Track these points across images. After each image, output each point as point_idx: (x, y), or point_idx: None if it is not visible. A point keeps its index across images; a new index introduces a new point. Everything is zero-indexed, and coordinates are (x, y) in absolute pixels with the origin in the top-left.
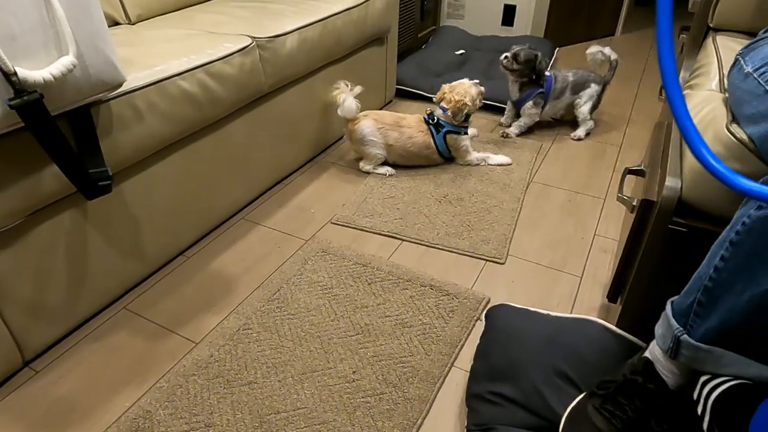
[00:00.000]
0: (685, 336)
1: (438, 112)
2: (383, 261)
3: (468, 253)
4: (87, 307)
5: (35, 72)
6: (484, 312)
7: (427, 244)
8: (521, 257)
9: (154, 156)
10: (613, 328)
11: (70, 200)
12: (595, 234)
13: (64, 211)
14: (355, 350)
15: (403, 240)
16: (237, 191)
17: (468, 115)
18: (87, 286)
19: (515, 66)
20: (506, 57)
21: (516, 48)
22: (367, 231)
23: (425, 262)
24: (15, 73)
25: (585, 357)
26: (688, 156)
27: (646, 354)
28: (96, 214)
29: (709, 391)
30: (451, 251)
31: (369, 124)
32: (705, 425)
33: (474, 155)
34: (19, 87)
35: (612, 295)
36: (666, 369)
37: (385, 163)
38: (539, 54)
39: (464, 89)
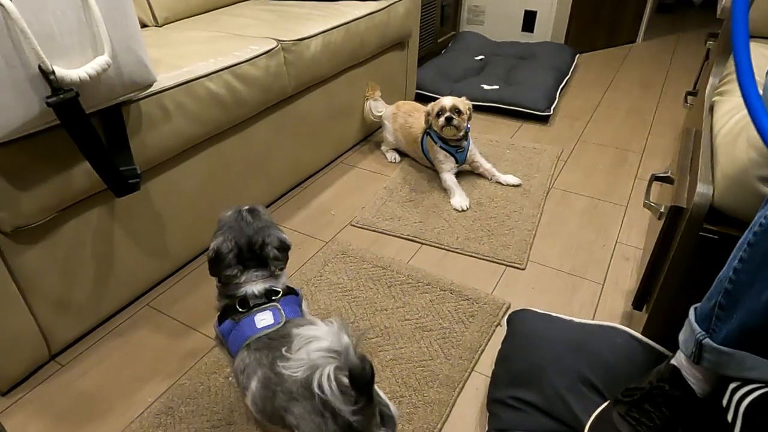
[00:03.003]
0: (707, 340)
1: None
2: (403, 264)
3: (488, 258)
4: (111, 304)
5: (72, 71)
6: (506, 317)
7: (446, 248)
8: (542, 263)
9: (180, 156)
10: (640, 336)
11: (99, 198)
12: (617, 242)
13: (93, 208)
14: (374, 353)
15: (422, 244)
16: (258, 192)
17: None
18: (112, 282)
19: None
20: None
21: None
22: (387, 234)
23: (445, 266)
24: (53, 72)
25: (610, 364)
26: (720, 162)
27: (673, 362)
28: (122, 212)
29: (740, 398)
30: (471, 256)
31: (387, 109)
32: None
33: (445, 177)
34: (56, 85)
35: (637, 303)
36: (691, 375)
37: (397, 151)
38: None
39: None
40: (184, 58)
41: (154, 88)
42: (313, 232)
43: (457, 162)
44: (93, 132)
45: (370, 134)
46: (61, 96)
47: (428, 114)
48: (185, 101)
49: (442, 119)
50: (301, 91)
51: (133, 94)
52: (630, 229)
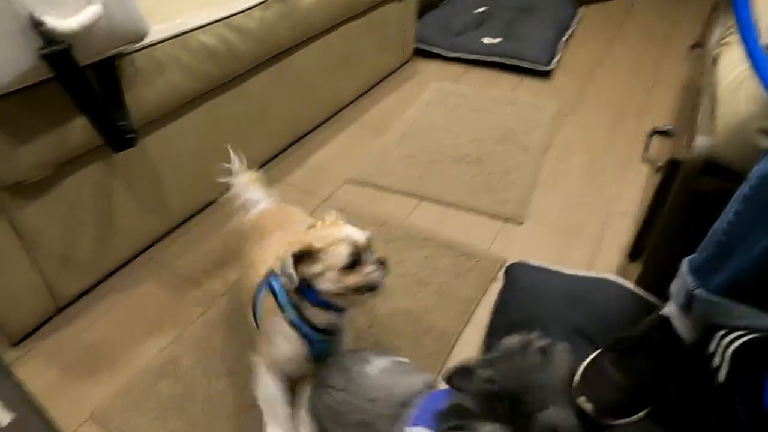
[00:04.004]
0: (699, 290)
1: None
2: (401, 220)
3: (486, 214)
4: (114, 259)
5: (63, 21)
6: (503, 269)
7: (445, 203)
8: (540, 219)
9: (176, 111)
10: (633, 287)
11: (97, 153)
12: (614, 198)
13: (91, 164)
14: (371, 307)
15: (421, 199)
16: (256, 148)
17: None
18: (114, 238)
19: None
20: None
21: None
22: (385, 190)
23: (443, 222)
24: (44, 23)
25: (603, 315)
26: (721, 114)
27: (664, 311)
28: (121, 167)
29: (726, 345)
30: (470, 211)
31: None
32: (722, 376)
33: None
34: (48, 37)
35: (632, 255)
36: (681, 324)
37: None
38: None
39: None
40: (176, 10)
41: (147, 41)
42: (311, 189)
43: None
44: (88, 86)
45: (368, 89)
46: (54, 48)
47: (312, 253)
48: (179, 54)
49: (366, 269)
50: (296, 45)
51: (126, 47)
52: (629, 185)
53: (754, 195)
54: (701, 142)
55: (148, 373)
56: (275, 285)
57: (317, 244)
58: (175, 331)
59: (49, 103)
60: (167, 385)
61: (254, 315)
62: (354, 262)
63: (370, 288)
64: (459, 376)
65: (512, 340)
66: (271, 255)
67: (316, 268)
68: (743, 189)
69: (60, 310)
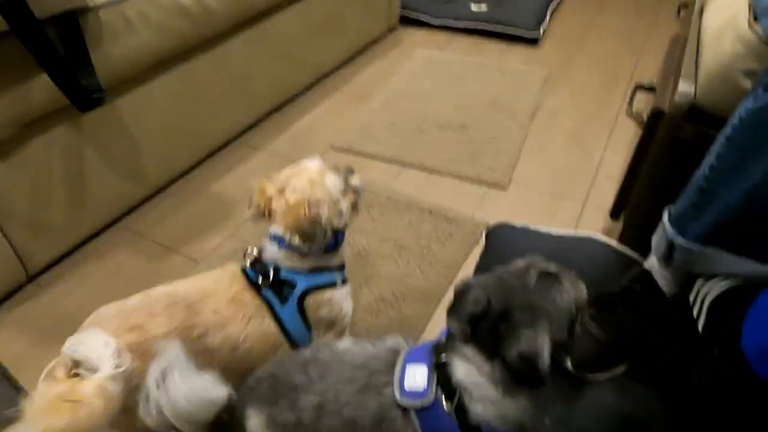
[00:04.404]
0: (679, 239)
1: (271, 251)
2: (383, 187)
3: (470, 180)
4: (89, 226)
5: None
6: (485, 232)
7: (429, 170)
8: (525, 184)
9: (148, 72)
10: (615, 244)
11: (64, 114)
12: (601, 161)
13: (58, 125)
14: (352, 271)
15: (404, 166)
16: (236, 115)
17: (338, 233)
18: (87, 204)
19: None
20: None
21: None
22: (368, 157)
23: (427, 188)
24: None
25: (586, 273)
26: (705, 59)
27: (645, 265)
28: (91, 130)
29: (705, 294)
30: (454, 177)
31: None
32: (700, 326)
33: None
34: None
35: (614, 212)
36: (662, 276)
37: None
38: None
39: (308, 180)
40: None
41: None
42: (294, 156)
43: None
44: (46, 39)
45: (352, 56)
46: None
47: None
48: (148, 11)
49: (350, 182)
50: (276, 7)
51: (87, 1)
52: (615, 149)
53: (736, 136)
54: (684, 88)
55: None
56: (307, 281)
57: (315, 193)
58: None
59: (8, 59)
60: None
61: (288, 337)
62: (345, 178)
63: (359, 194)
64: (455, 300)
65: (518, 263)
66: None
67: (328, 210)
68: (725, 131)
69: (32, 278)
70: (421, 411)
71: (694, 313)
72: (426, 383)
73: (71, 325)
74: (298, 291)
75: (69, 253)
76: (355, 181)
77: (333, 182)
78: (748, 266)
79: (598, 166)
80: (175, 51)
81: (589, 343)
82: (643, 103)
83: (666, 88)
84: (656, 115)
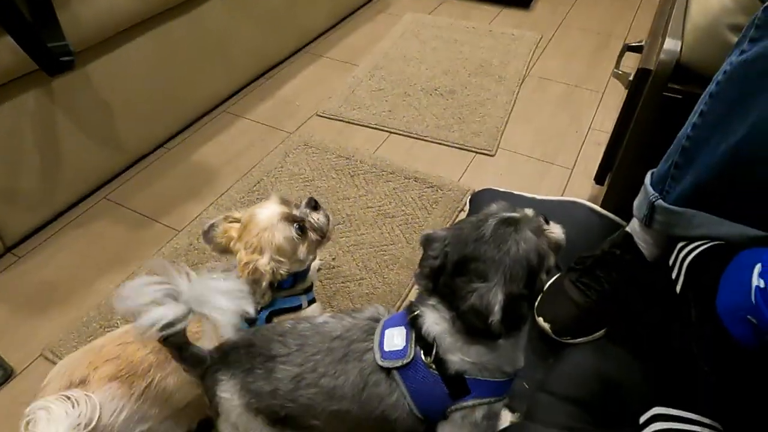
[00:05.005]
0: (660, 201)
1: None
2: (368, 154)
3: (457, 146)
4: (66, 195)
5: None
6: (469, 197)
7: (415, 136)
8: (512, 150)
9: (121, 35)
10: (598, 208)
11: (33, 79)
12: (590, 127)
13: (27, 91)
14: (335, 239)
15: (390, 133)
16: (217, 82)
17: (293, 279)
18: (63, 173)
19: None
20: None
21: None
22: (353, 123)
23: (412, 155)
24: None
25: (568, 238)
26: (692, 15)
27: (626, 229)
28: (64, 97)
29: (684, 256)
30: (440, 144)
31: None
32: (678, 288)
33: None
34: None
35: (599, 177)
36: (642, 240)
37: None
38: None
39: (257, 237)
40: None
41: None
42: (277, 123)
43: None
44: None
45: (339, 21)
46: None
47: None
48: None
49: (311, 221)
50: None
51: None
52: (604, 115)
53: (720, 92)
54: (670, 46)
55: (103, 309)
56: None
57: (263, 244)
58: (131, 267)
59: None
60: (123, 322)
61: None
62: (298, 227)
63: (323, 233)
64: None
65: (480, 213)
66: None
67: (273, 266)
68: (709, 88)
69: (9, 249)
70: (402, 369)
71: (673, 275)
72: (405, 342)
73: (51, 294)
74: (263, 315)
75: (47, 224)
76: (317, 218)
77: (284, 234)
78: (727, 228)
79: (587, 131)
80: (149, 12)
81: (569, 307)
82: (631, 61)
83: (653, 48)
84: (642, 74)
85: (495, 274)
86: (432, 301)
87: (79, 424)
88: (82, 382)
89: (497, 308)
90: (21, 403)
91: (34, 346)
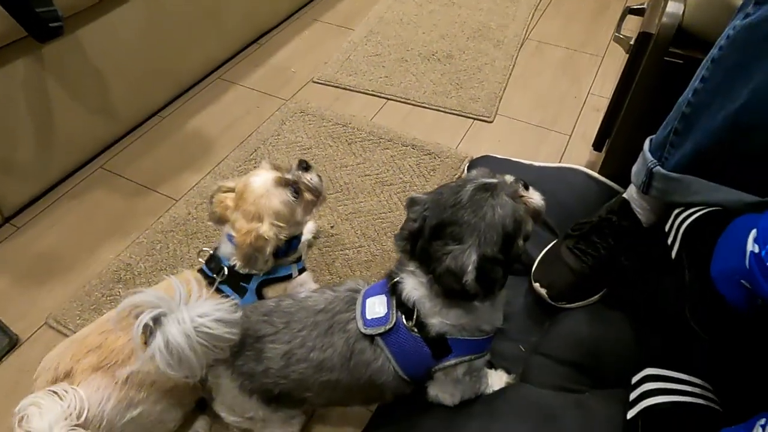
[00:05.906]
0: (658, 167)
1: (225, 249)
2: (365, 121)
3: (455, 112)
4: (62, 165)
5: None
6: (467, 164)
7: (412, 102)
8: (510, 116)
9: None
10: (596, 175)
11: (22, 47)
12: (589, 93)
13: (17, 59)
14: (333, 207)
15: (387, 99)
16: (211, 47)
17: (287, 246)
18: (58, 143)
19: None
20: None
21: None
22: (350, 90)
23: (410, 121)
24: None
25: (566, 204)
26: None
27: (623, 195)
28: (54, 64)
29: (681, 222)
30: (438, 110)
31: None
32: (674, 253)
33: None
34: None
35: (597, 143)
36: (639, 206)
37: None
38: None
39: (254, 203)
40: None
41: None
42: (273, 90)
43: None
44: None
45: None
46: None
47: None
48: None
49: (304, 182)
50: None
51: None
52: (604, 80)
53: (722, 56)
54: (673, 8)
55: (104, 278)
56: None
57: (261, 211)
58: (129, 237)
59: None
60: (125, 289)
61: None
62: (293, 189)
63: (318, 192)
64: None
65: (460, 179)
66: None
67: (275, 231)
68: (711, 53)
69: (7, 219)
70: (386, 335)
71: (669, 240)
72: (386, 309)
73: (52, 263)
74: (253, 285)
75: (44, 194)
76: (310, 179)
77: (280, 199)
78: (724, 194)
79: (586, 97)
80: None
81: (566, 273)
82: (632, 25)
83: (655, 12)
84: (644, 38)
85: (470, 237)
86: (411, 267)
87: (70, 415)
88: (67, 375)
89: (471, 268)
90: (28, 370)
91: (37, 315)
